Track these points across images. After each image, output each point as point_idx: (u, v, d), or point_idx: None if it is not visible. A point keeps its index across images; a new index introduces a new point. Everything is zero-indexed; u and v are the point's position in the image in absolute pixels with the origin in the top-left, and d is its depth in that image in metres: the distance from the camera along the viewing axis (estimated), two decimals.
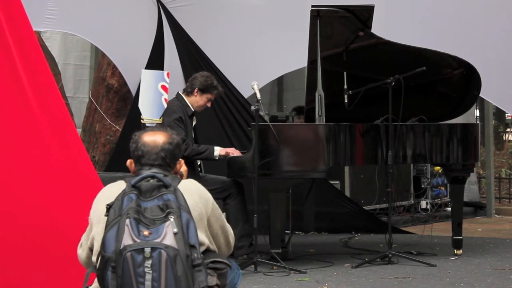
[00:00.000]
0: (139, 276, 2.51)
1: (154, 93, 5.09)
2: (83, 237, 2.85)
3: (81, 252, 2.85)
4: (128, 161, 2.86)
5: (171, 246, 2.53)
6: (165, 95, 5.11)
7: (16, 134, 3.83)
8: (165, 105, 5.24)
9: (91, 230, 2.76)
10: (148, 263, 2.51)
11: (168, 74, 5.23)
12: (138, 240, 2.53)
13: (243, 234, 5.66)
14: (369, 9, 5.96)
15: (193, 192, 2.73)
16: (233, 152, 5.80)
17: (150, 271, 2.51)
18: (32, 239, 3.77)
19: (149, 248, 2.51)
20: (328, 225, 7.67)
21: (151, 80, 5.19)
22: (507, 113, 12.61)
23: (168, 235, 2.54)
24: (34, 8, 5.77)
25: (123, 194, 2.64)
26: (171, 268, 2.52)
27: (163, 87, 5.16)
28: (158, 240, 2.53)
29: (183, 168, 2.89)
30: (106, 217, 2.63)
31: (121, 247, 2.53)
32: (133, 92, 7.40)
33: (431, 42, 6.54)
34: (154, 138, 2.80)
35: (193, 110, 5.83)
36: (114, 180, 2.88)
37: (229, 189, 5.78)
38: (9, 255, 3.74)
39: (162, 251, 2.52)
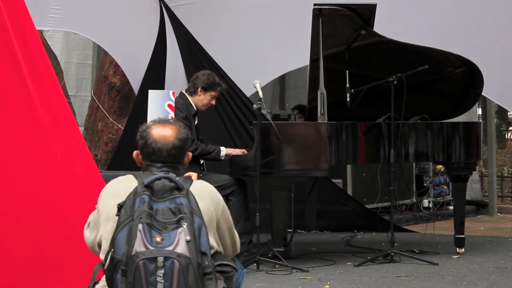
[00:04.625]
0: (150, 285, 2.49)
1: (161, 112, 5.27)
2: (91, 217, 2.82)
3: (89, 234, 2.82)
4: (135, 153, 2.83)
5: (183, 255, 2.51)
6: (172, 114, 5.30)
7: (18, 133, 3.84)
8: None
9: (98, 223, 2.74)
10: (161, 272, 2.49)
11: (173, 93, 5.41)
12: (151, 247, 2.50)
13: (244, 231, 5.66)
14: (371, 8, 5.96)
15: (205, 195, 2.72)
16: (237, 152, 5.85)
17: (162, 281, 2.49)
18: (35, 237, 3.78)
19: (162, 257, 2.49)
20: (330, 223, 7.67)
21: (157, 99, 5.40)
22: (509, 111, 12.60)
23: (180, 242, 2.52)
24: (37, 7, 5.79)
25: (134, 193, 2.61)
26: (183, 278, 2.50)
27: (169, 106, 5.35)
28: (170, 247, 2.51)
29: (194, 176, 2.88)
30: (116, 217, 2.60)
31: (133, 252, 2.50)
32: (136, 91, 7.42)
33: (433, 41, 6.54)
34: (164, 134, 2.77)
35: (196, 109, 5.86)
36: None
37: (232, 187, 5.79)
38: (13, 253, 3.75)
39: (175, 260, 2.49)
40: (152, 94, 5.39)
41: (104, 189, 2.78)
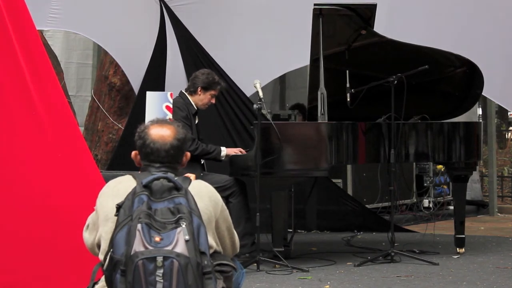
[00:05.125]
0: (150, 284, 2.49)
1: (159, 113, 5.34)
2: (89, 220, 2.82)
3: (88, 236, 2.82)
4: (133, 153, 2.83)
5: (182, 255, 2.51)
6: (170, 115, 5.37)
7: (19, 133, 3.84)
8: None
9: (97, 224, 2.74)
10: (160, 272, 2.49)
11: (171, 94, 5.47)
12: (150, 247, 2.50)
13: (245, 233, 5.66)
14: (372, 8, 5.96)
15: (204, 195, 2.72)
16: (238, 152, 5.86)
17: (162, 280, 2.49)
18: (36, 237, 3.78)
19: (161, 257, 2.49)
20: (330, 223, 7.67)
21: (155, 101, 5.48)
22: (509, 111, 12.60)
23: (179, 242, 2.52)
24: (38, 7, 5.79)
25: (133, 194, 2.61)
26: (182, 277, 2.50)
27: (167, 107, 5.41)
28: (169, 247, 2.51)
29: (192, 176, 2.88)
30: (115, 217, 2.60)
31: (132, 252, 2.51)
32: (136, 91, 7.42)
33: (434, 41, 6.54)
34: (162, 134, 2.77)
35: (196, 108, 5.87)
36: None
37: (232, 188, 5.79)
38: (14, 253, 3.75)
39: (174, 260, 2.49)
40: (150, 95, 5.47)
41: (103, 190, 2.78)
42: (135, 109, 7.28)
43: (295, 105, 8.27)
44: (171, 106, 5.38)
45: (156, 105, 5.42)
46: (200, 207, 2.64)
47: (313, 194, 7.11)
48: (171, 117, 5.35)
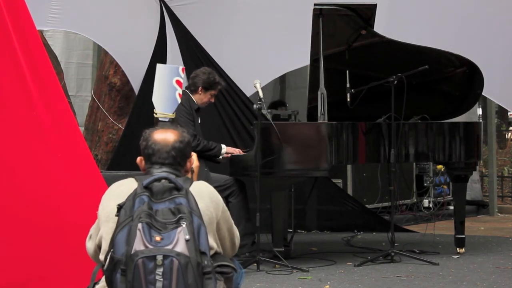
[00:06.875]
0: (149, 283, 2.50)
1: (168, 87, 5.03)
2: (92, 230, 2.83)
3: (90, 245, 2.83)
4: (138, 159, 2.84)
5: (182, 254, 2.51)
6: (179, 90, 5.07)
7: (19, 133, 3.84)
8: (179, 100, 5.16)
9: (99, 228, 2.75)
10: (160, 270, 2.50)
11: (183, 69, 5.14)
12: (150, 246, 2.51)
13: (245, 233, 5.67)
14: (372, 8, 5.96)
15: (205, 195, 2.72)
16: (237, 152, 5.87)
17: (161, 279, 2.50)
18: (36, 238, 3.78)
19: (161, 256, 2.50)
20: (330, 223, 7.67)
21: (165, 74, 5.10)
22: (509, 111, 12.60)
23: (180, 241, 2.52)
24: (38, 7, 5.80)
25: (134, 194, 2.62)
26: (182, 277, 2.50)
27: (178, 82, 5.12)
28: (169, 246, 2.51)
29: (195, 164, 2.88)
30: (116, 217, 2.61)
31: (132, 251, 2.51)
32: (136, 91, 7.42)
33: (434, 41, 6.54)
34: (165, 136, 2.78)
35: (197, 105, 5.88)
36: (117, 178, 2.86)
37: (232, 187, 5.80)
38: (12, 253, 3.75)
39: (174, 259, 2.50)
40: (160, 68, 5.13)
41: (105, 194, 2.79)
42: (135, 109, 7.29)
43: (271, 104, 8.36)
44: (181, 80, 5.08)
45: (166, 78, 5.03)
46: (201, 208, 2.64)
47: (313, 194, 7.11)
48: (180, 92, 5.08)
